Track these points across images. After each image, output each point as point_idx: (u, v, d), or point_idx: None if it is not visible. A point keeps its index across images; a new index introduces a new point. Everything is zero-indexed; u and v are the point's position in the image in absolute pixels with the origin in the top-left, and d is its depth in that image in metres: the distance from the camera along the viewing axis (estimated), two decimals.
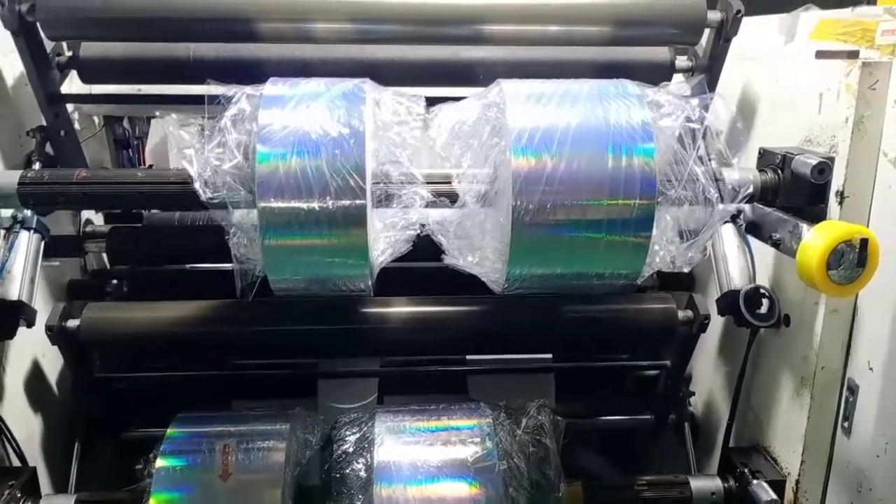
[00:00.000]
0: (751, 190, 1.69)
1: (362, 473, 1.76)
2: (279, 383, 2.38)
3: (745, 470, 2.03)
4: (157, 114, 2.61)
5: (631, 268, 1.63)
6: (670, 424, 2.47)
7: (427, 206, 1.63)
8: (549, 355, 2.46)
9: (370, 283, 1.64)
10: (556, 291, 1.74)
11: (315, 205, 1.47)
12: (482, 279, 1.73)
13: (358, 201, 1.49)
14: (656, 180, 1.54)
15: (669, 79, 2.19)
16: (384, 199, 1.61)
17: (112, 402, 2.26)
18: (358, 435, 1.84)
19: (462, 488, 1.76)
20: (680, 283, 2.44)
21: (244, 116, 1.55)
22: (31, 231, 1.90)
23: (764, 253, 2.04)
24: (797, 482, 1.95)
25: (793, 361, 1.96)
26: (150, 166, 2.74)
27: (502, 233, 1.56)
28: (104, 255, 2.48)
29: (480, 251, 1.67)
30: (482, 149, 1.60)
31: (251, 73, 1.95)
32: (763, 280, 2.05)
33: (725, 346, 2.38)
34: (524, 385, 2.42)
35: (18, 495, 1.84)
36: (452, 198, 1.63)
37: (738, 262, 2.04)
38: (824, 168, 1.67)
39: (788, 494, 1.98)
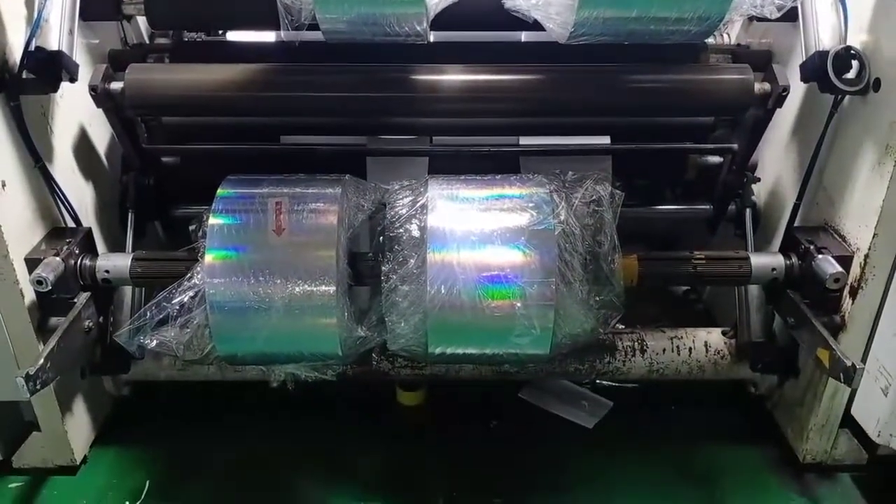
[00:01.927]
0: None
1: (415, 233, 1.73)
2: (327, 162, 2.31)
3: (811, 247, 1.95)
4: None
5: (715, 9, 1.46)
6: (730, 215, 2.39)
7: None
8: (607, 138, 2.33)
9: (426, 25, 1.51)
10: (627, 40, 1.59)
11: None
12: (546, 25, 1.58)
13: None
14: None
15: None
16: None
17: (161, 177, 2.24)
18: (411, 199, 1.79)
19: (516, 253, 1.72)
20: (754, 61, 2.25)
21: None
22: None
23: (856, 13, 1.84)
24: (866, 257, 1.87)
25: (878, 129, 1.81)
26: None
27: None
28: (143, 32, 2.39)
29: None
30: None
31: None
32: (853, 43, 1.85)
33: (798, 126, 2.23)
34: (579, 168, 2.32)
35: (77, 252, 1.86)
36: None
37: (829, 20, 1.84)
38: None
39: (855, 270, 1.91)
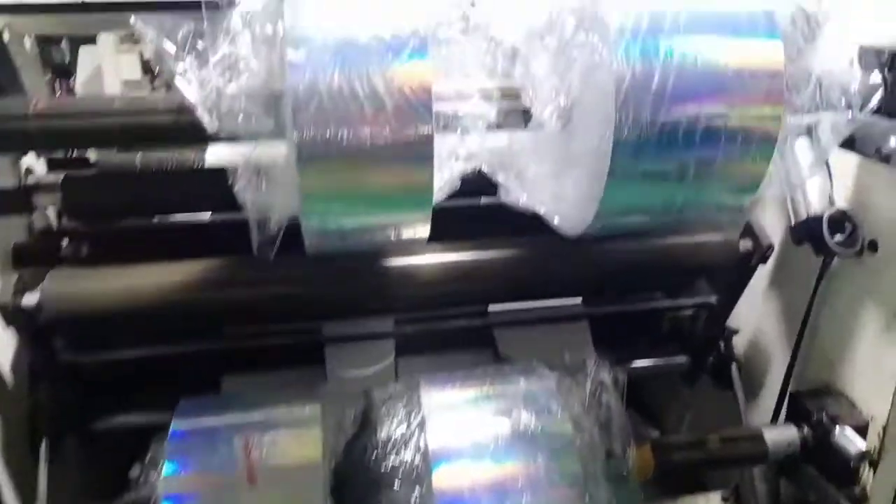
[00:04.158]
0: (880, 95, 1.41)
1: (416, 461, 1.46)
2: (278, 352, 2.03)
3: (823, 416, 1.82)
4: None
5: (742, 196, 1.35)
6: (709, 367, 2.27)
7: (492, 128, 1.30)
8: (579, 299, 2.19)
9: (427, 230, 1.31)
10: (643, 231, 1.45)
11: (368, 131, 1.12)
12: (550, 221, 1.42)
13: (423, 127, 1.14)
14: (784, 81, 1.24)
15: None
16: (439, 122, 1.26)
17: (80, 387, 1.88)
18: (402, 415, 1.53)
19: (533, 467, 1.49)
20: None
21: (259, 16, 1.16)
22: None
23: (839, 173, 1.80)
24: (884, 428, 1.76)
25: (880, 292, 1.74)
26: None
27: (595, 160, 1.25)
28: (49, 212, 2.07)
29: (555, 186, 1.35)
30: (563, 50, 1.26)
31: None
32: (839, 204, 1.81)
33: (778, 276, 2.16)
34: (557, 335, 2.15)
35: None
36: (524, 116, 1.30)
37: (815, 182, 1.79)
38: None
39: (872, 439, 1.79)
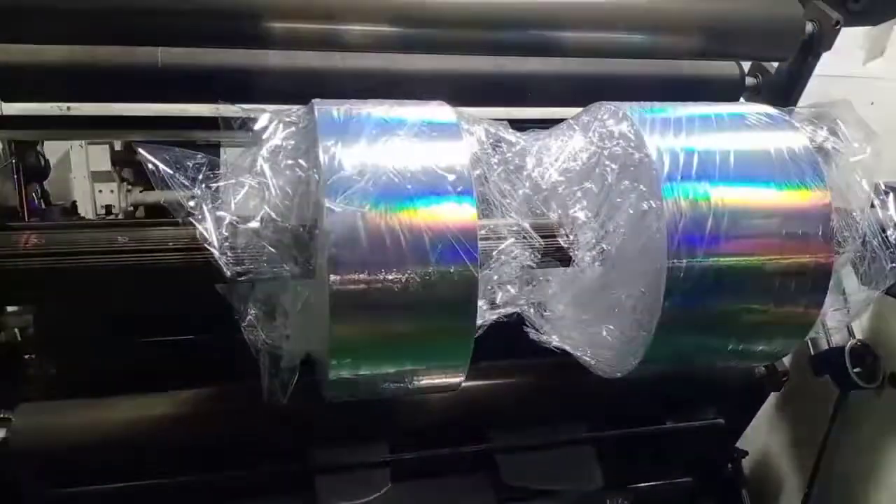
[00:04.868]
0: None
1: None
2: (264, 483, 1.86)
3: None
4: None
5: (789, 341, 1.28)
6: (717, 489, 2.16)
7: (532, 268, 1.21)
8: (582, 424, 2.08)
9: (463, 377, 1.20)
10: (683, 372, 1.37)
11: (410, 277, 1.02)
12: (588, 363, 1.32)
13: (466, 270, 1.04)
14: (834, 228, 1.20)
15: (737, 98, 1.87)
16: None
17: None
18: None
19: None
20: None
21: (288, 153, 1.07)
22: None
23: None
24: None
25: None
26: (73, 203, 2.12)
27: (642, 307, 1.17)
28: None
29: (593, 330, 1.26)
30: (607, 194, 1.20)
31: (242, 88, 1.49)
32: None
33: (789, 399, 2.09)
34: (562, 461, 2.03)
35: None
36: (563, 259, 1.22)
37: (835, 314, 1.75)
38: None
39: None
